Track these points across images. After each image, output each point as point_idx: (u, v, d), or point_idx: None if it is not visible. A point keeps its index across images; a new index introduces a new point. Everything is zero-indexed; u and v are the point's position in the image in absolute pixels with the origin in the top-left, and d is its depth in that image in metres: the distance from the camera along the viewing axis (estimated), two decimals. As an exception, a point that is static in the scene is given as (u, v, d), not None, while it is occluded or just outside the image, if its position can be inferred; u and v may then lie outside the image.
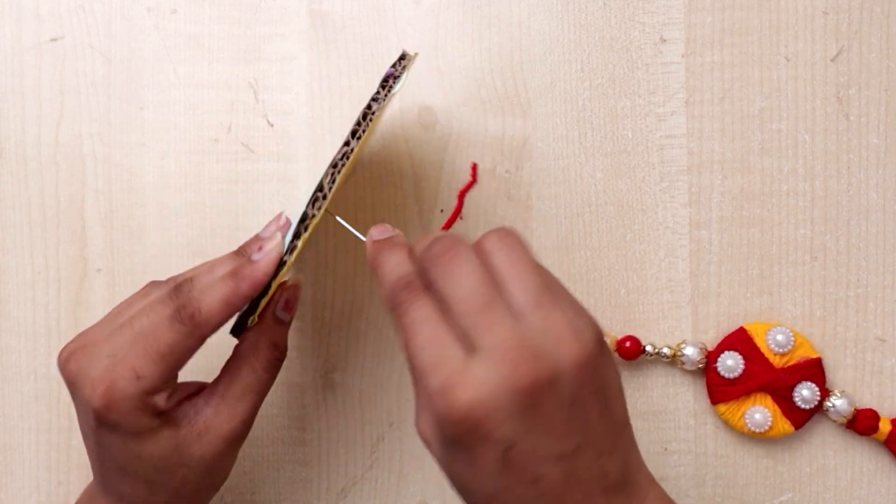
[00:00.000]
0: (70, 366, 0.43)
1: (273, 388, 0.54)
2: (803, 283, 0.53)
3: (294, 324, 0.54)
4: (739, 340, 0.52)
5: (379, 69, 0.54)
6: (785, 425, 0.51)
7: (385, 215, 0.54)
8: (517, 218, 0.53)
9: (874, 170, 0.53)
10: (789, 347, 0.51)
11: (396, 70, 0.45)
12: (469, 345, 0.36)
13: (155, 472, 0.43)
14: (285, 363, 0.54)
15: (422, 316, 0.37)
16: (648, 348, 0.52)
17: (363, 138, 0.44)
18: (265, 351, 0.45)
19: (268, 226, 0.45)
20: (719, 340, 0.52)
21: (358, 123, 0.44)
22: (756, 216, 0.53)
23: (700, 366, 0.52)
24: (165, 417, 0.43)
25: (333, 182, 0.43)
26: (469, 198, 0.54)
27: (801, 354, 0.52)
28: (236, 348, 0.46)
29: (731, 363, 0.51)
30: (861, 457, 0.53)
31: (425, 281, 0.38)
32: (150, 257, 0.54)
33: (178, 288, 0.43)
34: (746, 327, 0.52)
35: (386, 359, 0.54)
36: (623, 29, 0.53)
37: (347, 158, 0.43)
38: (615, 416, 0.38)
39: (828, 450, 0.53)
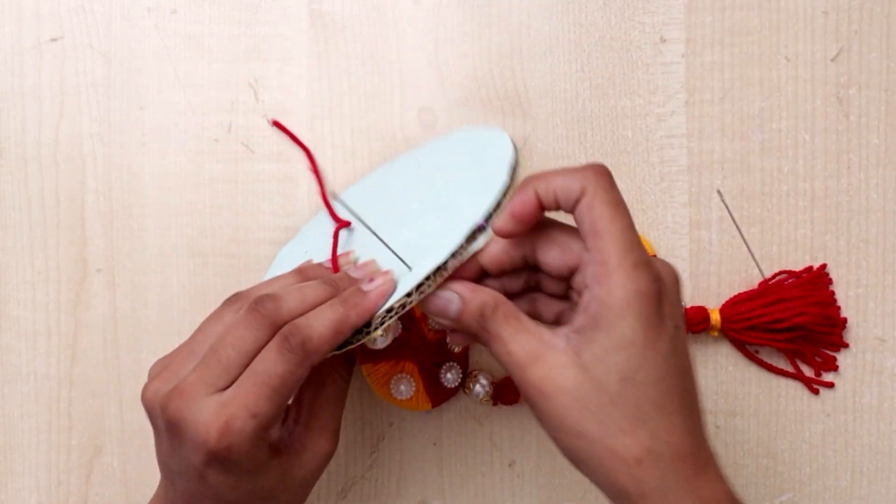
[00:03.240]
0: (170, 409, 0.40)
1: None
2: (803, 283, 0.53)
3: (294, 324, 0.54)
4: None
5: (379, 69, 0.54)
6: (425, 401, 0.52)
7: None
8: (517, 218, 0.53)
9: (874, 170, 0.53)
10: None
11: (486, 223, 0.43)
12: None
13: (261, 501, 0.42)
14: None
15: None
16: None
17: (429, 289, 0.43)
18: (342, 362, 0.45)
19: (362, 266, 0.45)
20: None
21: (427, 278, 0.42)
22: (756, 216, 0.53)
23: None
24: (273, 448, 0.42)
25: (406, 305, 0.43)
26: (469, 198, 0.54)
27: None
28: None
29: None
30: (861, 457, 0.53)
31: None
32: (150, 257, 0.54)
33: (262, 304, 0.41)
34: None
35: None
36: (623, 29, 0.53)
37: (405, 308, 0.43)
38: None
39: (828, 450, 0.53)
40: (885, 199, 0.53)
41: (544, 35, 0.53)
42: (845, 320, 0.52)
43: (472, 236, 0.42)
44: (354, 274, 0.45)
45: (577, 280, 0.41)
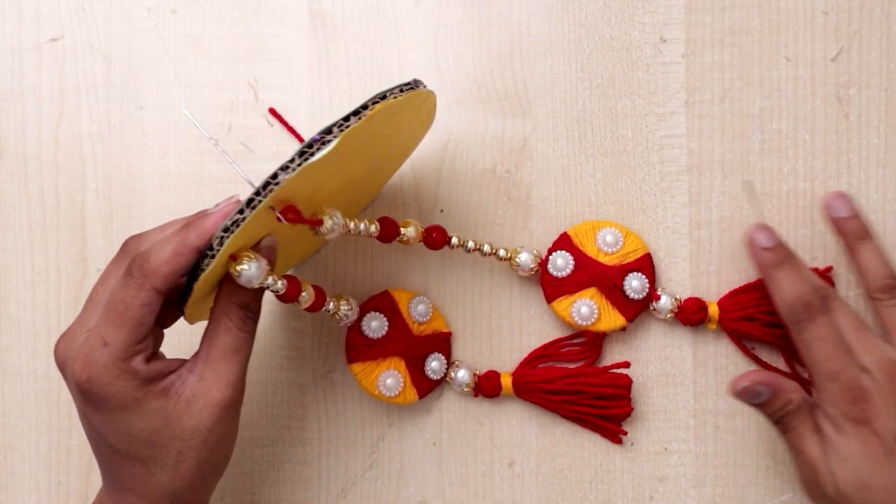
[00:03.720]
0: (57, 352, 0.43)
1: (273, 387, 0.54)
2: (803, 283, 0.53)
3: (294, 324, 0.54)
4: (385, 304, 0.52)
5: (379, 69, 0.54)
6: (412, 394, 0.52)
7: (386, 214, 0.54)
8: (517, 218, 0.53)
9: (874, 170, 0.53)
10: (427, 317, 0.53)
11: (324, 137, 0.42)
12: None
13: (148, 448, 0.42)
14: (285, 363, 0.54)
15: (822, 334, 0.47)
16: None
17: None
18: (236, 310, 0.44)
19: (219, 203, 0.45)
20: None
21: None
22: (756, 216, 0.53)
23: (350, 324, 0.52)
24: (151, 389, 0.42)
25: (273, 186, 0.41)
26: (469, 198, 0.54)
27: (436, 327, 0.53)
28: (210, 314, 0.45)
29: (375, 324, 0.52)
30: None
31: (820, 302, 0.48)
32: (150, 257, 0.54)
33: (126, 246, 0.44)
34: (391, 291, 0.53)
35: (386, 359, 0.54)
36: (623, 29, 0.53)
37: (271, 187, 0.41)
38: None
39: (828, 450, 0.53)
40: (885, 199, 0.53)
41: (544, 35, 0.53)
42: None
43: (309, 150, 0.41)
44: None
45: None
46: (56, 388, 0.54)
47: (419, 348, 0.52)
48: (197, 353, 0.44)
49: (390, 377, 0.52)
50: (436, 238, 0.51)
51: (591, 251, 0.52)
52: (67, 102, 0.54)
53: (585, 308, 0.52)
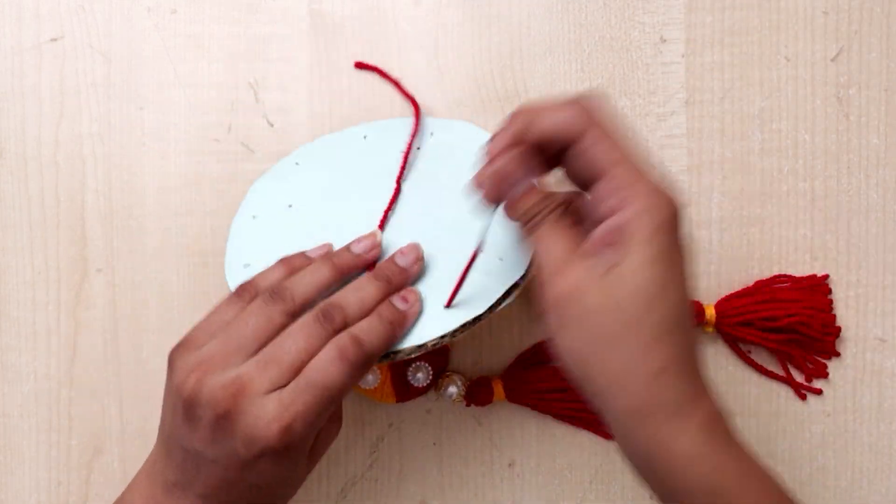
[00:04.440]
0: (227, 402, 0.42)
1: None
2: (803, 283, 0.53)
3: (294, 324, 0.54)
4: None
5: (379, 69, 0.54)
6: (390, 395, 0.52)
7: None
8: (517, 218, 0.53)
9: (874, 170, 0.53)
10: None
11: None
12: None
13: (285, 485, 0.44)
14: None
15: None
16: None
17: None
18: None
19: (408, 251, 0.47)
20: None
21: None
22: (756, 216, 0.53)
23: None
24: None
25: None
26: (469, 198, 0.54)
27: None
28: None
29: None
30: (861, 457, 0.53)
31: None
32: (150, 257, 0.54)
33: (331, 318, 0.44)
34: None
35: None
36: (623, 29, 0.53)
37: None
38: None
39: (828, 450, 0.53)
40: (885, 199, 0.53)
41: (544, 35, 0.53)
42: (839, 329, 0.52)
43: (509, 292, 0.45)
44: (401, 261, 0.47)
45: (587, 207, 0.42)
46: (56, 388, 0.54)
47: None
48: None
49: (370, 373, 0.52)
50: None
51: None
52: (67, 102, 0.54)
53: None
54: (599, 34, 0.53)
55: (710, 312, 0.52)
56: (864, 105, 0.53)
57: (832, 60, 0.53)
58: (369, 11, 0.54)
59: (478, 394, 0.52)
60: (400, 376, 0.52)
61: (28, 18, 0.54)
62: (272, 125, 0.54)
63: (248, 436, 0.41)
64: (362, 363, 0.43)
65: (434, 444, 0.54)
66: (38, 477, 0.55)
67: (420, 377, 0.52)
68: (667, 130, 0.53)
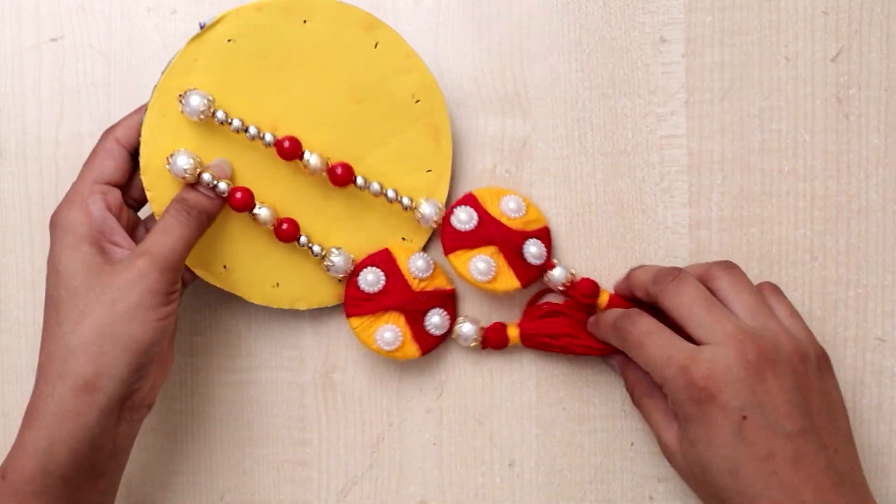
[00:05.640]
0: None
1: (273, 387, 0.54)
2: (803, 283, 0.53)
3: (294, 323, 0.54)
4: (383, 260, 0.52)
5: (379, 69, 0.54)
6: (413, 349, 0.52)
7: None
8: (517, 218, 0.53)
9: (874, 170, 0.53)
10: (428, 273, 0.52)
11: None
12: (697, 342, 0.44)
13: (65, 292, 0.45)
14: (285, 363, 0.54)
15: (647, 329, 0.46)
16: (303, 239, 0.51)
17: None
18: (173, 204, 0.47)
19: None
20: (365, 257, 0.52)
21: None
22: (756, 216, 0.53)
23: (341, 276, 0.51)
24: (99, 239, 0.47)
25: None
26: (469, 198, 0.54)
27: (438, 284, 0.52)
28: None
29: (371, 278, 0.51)
30: (861, 457, 0.53)
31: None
32: (150, 257, 0.54)
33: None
34: (391, 248, 0.52)
35: (386, 359, 0.54)
36: (623, 29, 0.53)
37: None
38: (839, 424, 0.44)
39: (828, 450, 0.53)
40: (885, 199, 0.53)
41: (544, 35, 0.53)
42: None
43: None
44: None
45: None
46: (56, 388, 0.54)
47: (419, 303, 0.51)
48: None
49: (388, 331, 0.51)
50: (341, 175, 0.50)
51: (494, 213, 0.52)
52: (67, 102, 0.54)
53: (483, 264, 0.51)
54: (599, 34, 0.53)
55: (604, 298, 0.52)
56: (864, 105, 0.53)
57: (832, 60, 0.53)
58: (370, 11, 0.54)
59: (493, 338, 0.52)
60: (418, 328, 0.52)
61: (28, 18, 0.54)
62: (272, 125, 0.54)
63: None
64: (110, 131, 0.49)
65: (434, 444, 0.54)
66: (38, 477, 0.55)
67: (437, 321, 0.52)
68: (667, 130, 0.53)
